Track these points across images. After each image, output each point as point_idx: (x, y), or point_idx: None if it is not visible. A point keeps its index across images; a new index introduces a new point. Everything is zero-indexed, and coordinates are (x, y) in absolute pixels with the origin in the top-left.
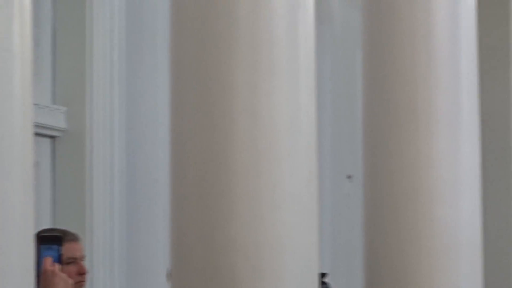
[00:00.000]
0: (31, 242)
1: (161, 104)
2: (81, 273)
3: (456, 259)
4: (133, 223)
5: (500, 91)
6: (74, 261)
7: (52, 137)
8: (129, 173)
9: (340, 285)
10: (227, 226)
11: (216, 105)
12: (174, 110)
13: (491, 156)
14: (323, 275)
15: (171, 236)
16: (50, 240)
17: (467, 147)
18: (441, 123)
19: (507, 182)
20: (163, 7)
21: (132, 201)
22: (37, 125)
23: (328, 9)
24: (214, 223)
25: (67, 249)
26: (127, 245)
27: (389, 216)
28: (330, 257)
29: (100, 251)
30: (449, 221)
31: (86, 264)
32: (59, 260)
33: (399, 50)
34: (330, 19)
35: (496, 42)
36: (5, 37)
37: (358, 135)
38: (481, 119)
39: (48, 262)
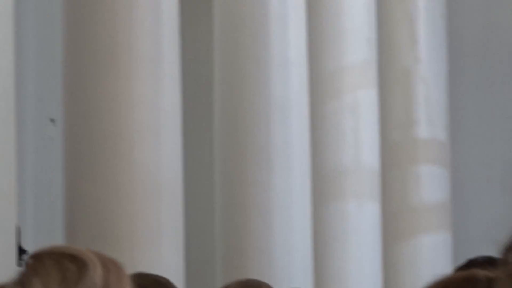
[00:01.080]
0: None
1: None
2: None
3: (156, 202)
4: None
5: (203, 37)
6: None
7: None
8: None
9: (44, 229)
10: None
11: None
12: None
13: (192, 99)
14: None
15: None
16: None
17: (168, 91)
18: (141, 66)
19: (208, 126)
20: None
21: None
22: None
23: None
24: None
25: None
26: None
27: (89, 160)
28: (33, 200)
29: None
30: (150, 165)
31: None
32: None
33: None
34: None
35: None
36: None
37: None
38: (182, 63)
39: None
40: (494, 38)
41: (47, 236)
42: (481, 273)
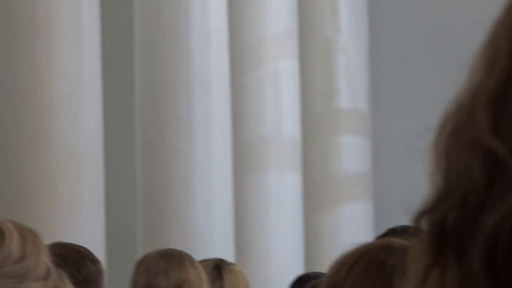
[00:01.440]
0: None
1: None
2: None
3: (77, 171)
4: None
5: (123, 7)
6: None
7: None
8: None
9: None
10: None
11: None
12: None
13: (113, 69)
14: None
15: None
16: None
17: (88, 60)
18: (61, 36)
19: (129, 96)
20: None
21: None
22: None
23: None
24: None
25: None
26: None
27: (9, 129)
28: None
29: None
30: (70, 134)
31: None
32: None
33: None
34: None
35: None
36: None
37: None
38: (102, 32)
39: None
40: (414, 10)
41: None
42: (397, 241)
